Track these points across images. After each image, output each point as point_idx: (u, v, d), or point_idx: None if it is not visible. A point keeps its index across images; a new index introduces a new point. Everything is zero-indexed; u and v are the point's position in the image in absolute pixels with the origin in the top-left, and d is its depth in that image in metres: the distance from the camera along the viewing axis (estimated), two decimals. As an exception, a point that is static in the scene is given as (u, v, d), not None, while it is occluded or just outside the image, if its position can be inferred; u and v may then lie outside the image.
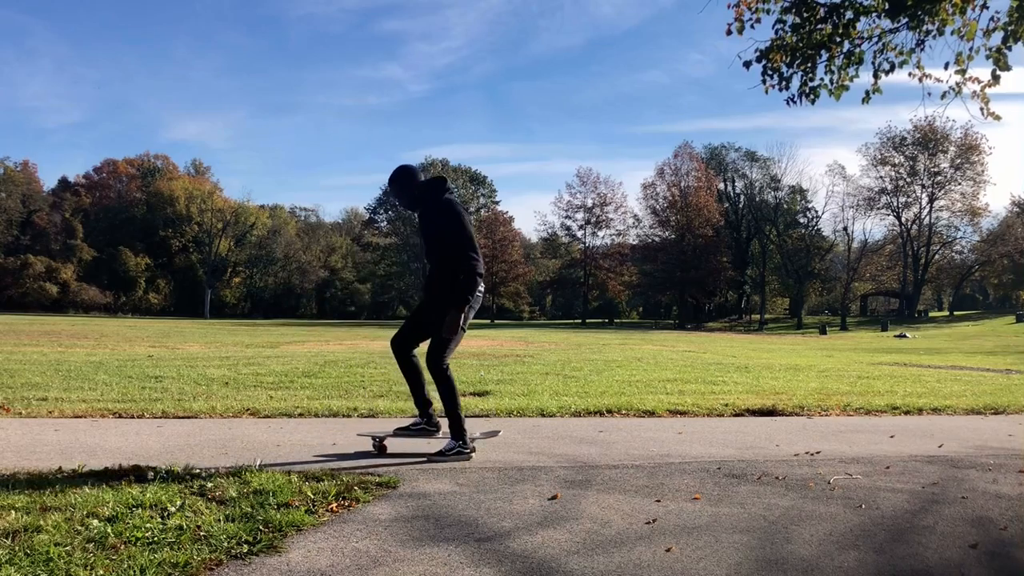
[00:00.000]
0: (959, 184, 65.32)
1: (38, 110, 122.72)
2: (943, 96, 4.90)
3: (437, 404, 4.63)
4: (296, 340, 22.52)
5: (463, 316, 4.39)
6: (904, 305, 67.37)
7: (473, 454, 4.44)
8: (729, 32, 4.92)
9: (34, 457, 4.17)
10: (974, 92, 4.87)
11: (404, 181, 4.63)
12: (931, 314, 70.08)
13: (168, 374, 9.32)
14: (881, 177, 66.80)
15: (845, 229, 67.69)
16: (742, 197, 76.80)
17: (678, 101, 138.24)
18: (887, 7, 4.71)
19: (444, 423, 4.60)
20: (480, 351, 16.55)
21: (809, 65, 5.01)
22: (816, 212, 71.08)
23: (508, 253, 78.32)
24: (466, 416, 6.26)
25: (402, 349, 4.63)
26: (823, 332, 51.90)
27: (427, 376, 4.62)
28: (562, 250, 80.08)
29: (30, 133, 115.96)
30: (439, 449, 4.41)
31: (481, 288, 4.50)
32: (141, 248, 77.20)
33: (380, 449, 4.53)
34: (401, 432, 4.67)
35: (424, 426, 4.68)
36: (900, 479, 4.19)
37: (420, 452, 4.51)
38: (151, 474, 3.65)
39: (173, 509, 3.10)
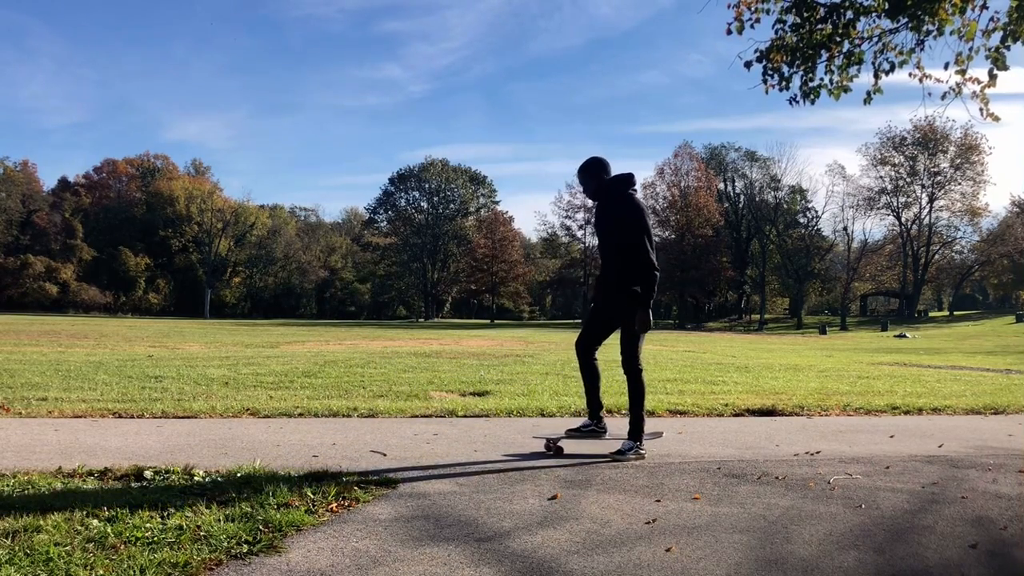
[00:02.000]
0: (959, 184, 65.38)
1: (38, 110, 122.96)
2: (943, 96, 4.90)
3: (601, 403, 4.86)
4: (296, 340, 22.52)
5: (647, 308, 4.54)
6: (904, 305, 67.38)
7: (607, 435, 4.73)
8: (729, 32, 4.92)
9: (34, 457, 4.17)
10: (974, 92, 4.87)
11: (593, 171, 4.74)
12: (931, 314, 70.11)
13: (168, 374, 9.32)
14: (881, 177, 66.89)
15: (845, 229, 67.79)
16: (742, 197, 76.82)
17: (677, 101, 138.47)
18: (887, 7, 4.71)
19: (553, 423, 4.80)
20: (480, 351, 16.54)
21: (809, 65, 5.01)
22: (816, 212, 71.16)
23: (508, 253, 78.32)
24: (465, 416, 6.27)
25: (587, 352, 4.75)
26: (823, 332, 51.89)
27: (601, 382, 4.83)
28: (562, 250, 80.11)
29: (30, 133, 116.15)
30: (617, 449, 4.52)
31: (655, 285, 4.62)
32: (141, 248, 77.22)
33: (557, 451, 4.64)
34: (573, 433, 4.78)
35: (594, 428, 4.79)
36: (900, 479, 4.19)
37: (596, 454, 4.63)
38: (151, 474, 3.65)
39: (173, 509, 3.10)
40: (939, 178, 65.44)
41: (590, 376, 4.77)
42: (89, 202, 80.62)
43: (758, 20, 4.91)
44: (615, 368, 12.61)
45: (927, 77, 4.98)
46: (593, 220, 4.99)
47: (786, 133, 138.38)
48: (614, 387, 9.00)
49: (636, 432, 4.57)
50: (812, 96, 5.08)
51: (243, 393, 7.63)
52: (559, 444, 4.69)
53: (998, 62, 4.62)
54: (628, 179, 4.70)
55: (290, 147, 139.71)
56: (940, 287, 78.20)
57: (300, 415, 6.11)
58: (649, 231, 4.55)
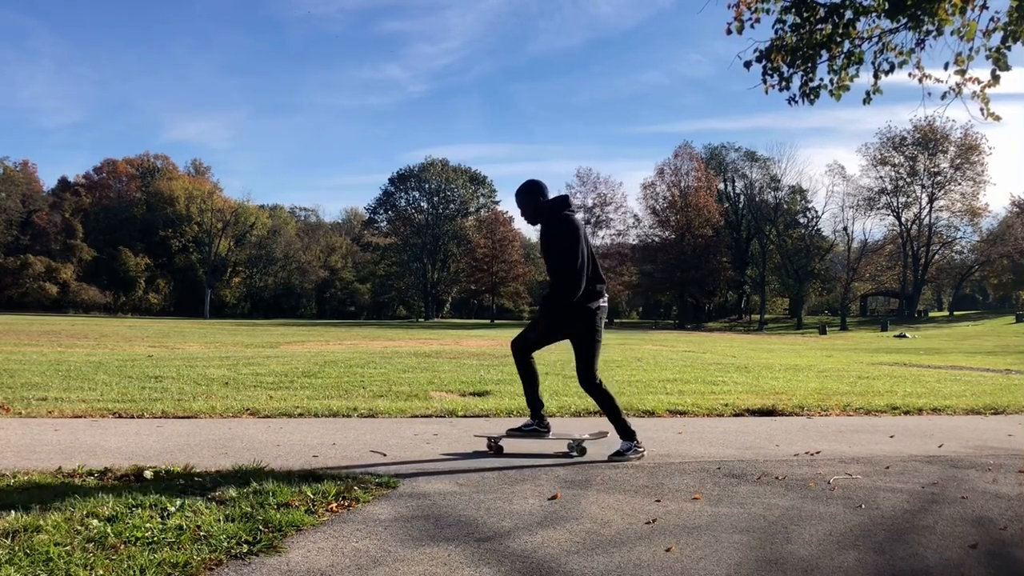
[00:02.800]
0: (959, 184, 65.35)
1: (38, 110, 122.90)
2: (943, 96, 4.90)
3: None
4: (296, 340, 22.52)
5: (589, 323, 4.56)
6: (904, 305, 67.37)
7: (551, 434, 4.77)
8: (729, 32, 4.91)
9: (34, 457, 4.17)
10: (974, 92, 4.86)
11: (530, 195, 4.73)
12: (931, 314, 70.10)
13: (168, 374, 9.32)
14: (881, 177, 66.86)
15: (845, 229, 67.78)
16: (742, 197, 76.83)
17: (677, 101, 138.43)
18: (887, 7, 4.71)
19: (552, 424, 4.82)
20: (480, 351, 16.54)
21: (809, 65, 5.00)
22: (816, 212, 71.11)
23: (508, 253, 78.29)
24: (465, 416, 6.27)
25: (523, 352, 4.80)
26: (823, 332, 51.89)
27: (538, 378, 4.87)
28: (562, 250, 79.94)
29: (30, 133, 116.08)
30: (617, 450, 4.56)
31: (599, 300, 4.62)
32: (141, 248, 77.20)
33: (497, 450, 4.66)
34: (514, 432, 4.80)
35: (536, 427, 4.80)
36: (900, 479, 4.19)
37: (544, 452, 4.65)
38: (151, 474, 3.65)
39: (173, 509, 3.10)
40: (939, 178, 65.43)
41: (527, 376, 4.77)
42: (89, 202, 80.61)
43: (758, 20, 4.91)
44: (615, 368, 12.56)
45: (927, 77, 4.98)
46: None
47: (786, 133, 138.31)
48: (613, 387, 9.01)
49: (626, 433, 4.58)
50: (812, 96, 5.08)
51: (243, 393, 7.63)
52: (499, 443, 4.69)
53: (999, 62, 4.62)
54: (562, 201, 4.67)
55: (290, 147, 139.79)
56: (940, 287, 78.19)
57: (300, 415, 6.11)
58: (579, 253, 4.48)
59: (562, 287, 4.46)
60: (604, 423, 6.13)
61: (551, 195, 4.74)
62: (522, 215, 4.83)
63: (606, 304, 4.75)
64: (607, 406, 4.61)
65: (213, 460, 4.15)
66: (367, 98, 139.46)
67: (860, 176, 69.04)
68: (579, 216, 4.73)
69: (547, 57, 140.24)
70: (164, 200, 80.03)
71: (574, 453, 4.60)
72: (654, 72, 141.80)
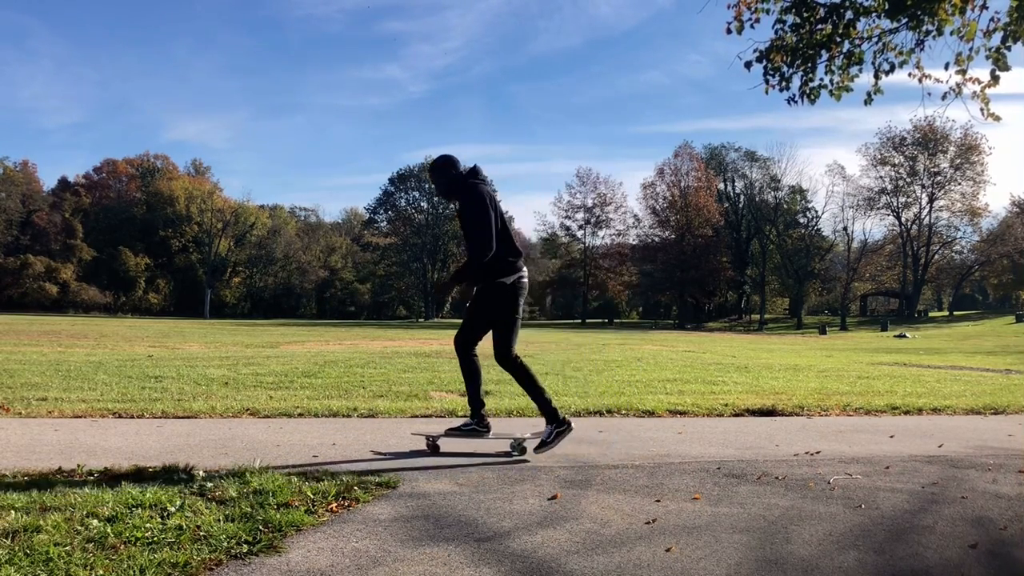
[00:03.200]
0: (959, 184, 65.37)
1: (38, 110, 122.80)
2: (943, 97, 4.90)
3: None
4: (296, 340, 22.52)
5: (505, 299, 4.50)
6: (904, 305, 67.38)
7: (572, 428, 4.59)
8: (729, 32, 4.91)
9: (34, 457, 4.16)
10: (974, 92, 4.86)
11: (442, 169, 4.69)
12: (931, 314, 70.09)
13: (168, 374, 9.32)
14: (881, 177, 66.88)
15: (845, 229, 67.80)
16: (742, 197, 76.84)
17: (677, 101, 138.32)
18: (887, 7, 4.71)
19: (495, 424, 4.72)
20: (480, 351, 16.53)
21: (809, 65, 5.01)
22: (816, 212, 71.17)
23: (508, 253, 78.19)
24: (465, 416, 6.26)
25: (466, 348, 4.72)
26: (823, 332, 51.89)
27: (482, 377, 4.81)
28: (562, 250, 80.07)
29: (30, 133, 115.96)
30: (541, 440, 4.50)
31: (516, 275, 4.56)
32: (141, 248, 77.19)
33: (433, 449, 4.62)
34: (453, 432, 4.75)
35: (475, 427, 4.75)
36: (900, 479, 4.19)
37: (481, 452, 4.63)
38: (151, 474, 3.65)
39: (173, 509, 3.09)
40: (939, 178, 65.44)
41: (469, 374, 4.70)
42: (89, 202, 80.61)
43: (758, 20, 4.91)
44: (615, 368, 12.57)
45: (927, 77, 4.98)
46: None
47: (786, 133, 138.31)
48: (613, 387, 9.02)
49: (550, 416, 4.51)
50: (812, 96, 5.08)
51: (243, 393, 7.63)
52: (437, 442, 4.63)
53: (999, 62, 4.62)
54: (472, 171, 4.64)
55: (290, 147, 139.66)
56: (940, 287, 78.18)
57: (300, 415, 6.11)
58: (488, 221, 4.41)
59: (474, 254, 4.40)
60: (592, 424, 6.12)
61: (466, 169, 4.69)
62: (437, 192, 4.80)
63: (526, 281, 4.64)
64: (527, 384, 4.51)
65: (213, 460, 4.15)
66: (367, 98, 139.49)
67: (860, 176, 69.17)
68: (489, 187, 4.68)
69: (547, 57, 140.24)
70: (164, 200, 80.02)
71: (515, 453, 4.52)
72: (654, 72, 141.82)
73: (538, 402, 4.55)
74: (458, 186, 4.62)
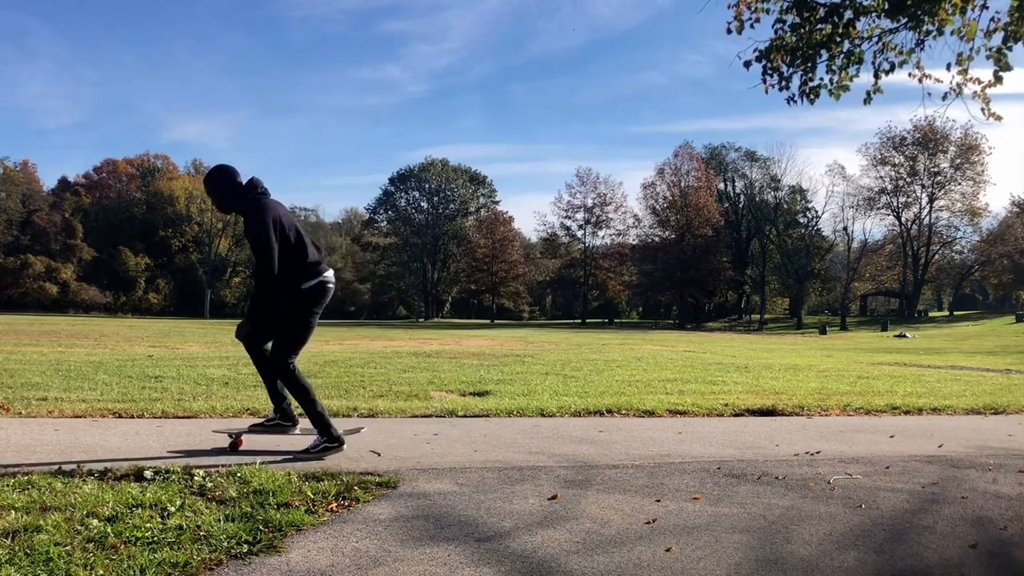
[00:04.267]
0: (959, 184, 65.36)
1: (38, 110, 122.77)
2: (944, 97, 4.90)
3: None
4: (296, 340, 22.48)
5: (298, 303, 4.32)
6: (904, 305, 67.37)
7: (343, 446, 4.38)
8: (729, 31, 4.91)
9: (34, 457, 4.16)
10: (975, 92, 4.86)
11: (216, 181, 4.42)
12: (931, 314, 70.09)
13: (168, 374, 9.32)
14: (881, 177, 66.86)
15: (845, 229, 67.76)
16: (742, 197, 76.82)
17: (676, 102, 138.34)
18: (887, 7, 4.71)
19: (305, 420, 4.51)
20: (480, 351, 16.54)
21: (809, 65, 5.00)
22: (816, 212, 71.11)
23: (508, 253, 78.31)
24: (465, 416, 6.27)
25: (252, 346, 4.53)
26: (823, 332, 51.88)
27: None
28: (562, 250, 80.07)
29: (30, 133, 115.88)
30: (305, 448, 4.34)
31: (317, 279, 4.37)
32: (141, 248, 77.19)
33: (233, 446, 4.44)
34: (256, 428, 4.61)
35: (279, 422, 4.59)
36: (900, 479, 4.19)
37: (279, 450, 4.46)
38: (151, 474, 3.65)
39: (173, 509, 3.09)
40: (939, 178, 65.43)
41: (263, 368, 4.55)
42: (89, 202, 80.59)
43: (758, 20, 4.91)
44: (616, 368, 12.55)
45: (927, 77, 4.98)
46: None
47: (786, 133, 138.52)
48: (613, 387, 9.02)
49: (320, 428, 4.34)
50: (812, 96, 5.08)
51: (243, 393, 7.62)
52: (240, 438, 4.48)
53: (1000, 62, 4.61)
54: (248, 184, 4.40)
55: (290, 147, 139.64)
56: (940, 287, 78.19)
57: (300, 415, 6.09)
58: (268, 239, 4.19)
59: (260, 276, 4.23)
60: (592, 424, 6.13)
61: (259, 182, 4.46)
62: (213, 204, 4.56)
63: (330, 285, 4.47)
64: (300, 395, 4.32)
65: (213, 460, 4.14)
66: (367, 98, 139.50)
67: (860, 176, 69.13)
68: (269, 198, 4.41)
69: (547, 57, 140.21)
70: (164, 200, 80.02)
71: (317, 452, 4.26)
72: (654, 72, 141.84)
73: (310, 415, 4.35)
74: (238, 201, 4.38)
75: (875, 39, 4.94)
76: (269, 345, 4.50)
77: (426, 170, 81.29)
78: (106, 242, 75.98)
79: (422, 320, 72.77)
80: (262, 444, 4.58)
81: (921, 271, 66.90)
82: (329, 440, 4.34)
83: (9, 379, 8.43)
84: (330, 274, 4.51)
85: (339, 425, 4.55)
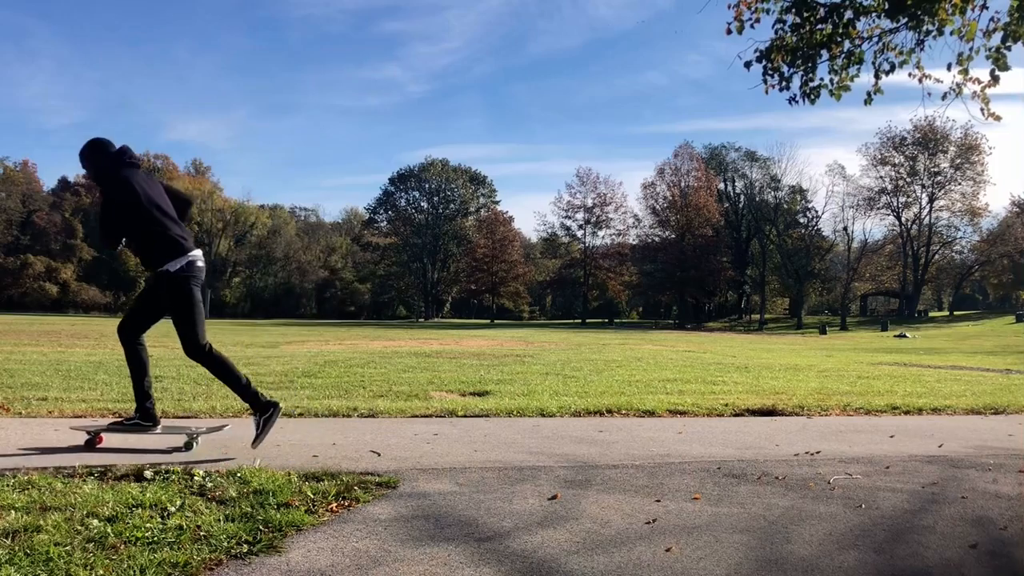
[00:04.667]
0: (959, 184, 65.38)
1: (38, 110, 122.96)
2: (944, 97, 4.90)
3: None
4: (296, 340, 22.52)
5: (176, 287, 4.27)
6: (904, 305, 67.37)
7: (279, 410, 4.39)
8: (729, 32, 4.91)
9: (34, 457, 4.16)
10: (974, 92, 4.86)
11: (87, 156, 4.34)
12: (931, 314, 70.06)
13: (168, 374, 9.32)
14: (881, 177, 66.86)
15: (845, 229, 67.76)
16: (742, 197, 76.85)
17: (676, 102, 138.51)
18: (887, 7, 4.71)
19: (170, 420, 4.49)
20: (480, 351, 16.54)
21: (810, 65, 5.00)
22: (816, 212, 71.11)
23: (508, 253, 78.33)
24: (466, 416, 6.27)
25: (130, 336, 4.45)
26: (823, 332, 51.88)
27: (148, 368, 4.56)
28: (562, 250, 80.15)
29: (30, 133, 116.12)
30: (255, 435, 4.29)
31: (184, 259, 4.30)
32: (141, 248, 77.18)
33: (88, 443, 4.35)
34: (114, 426, 4.53)
35: (139, 421, 4.52)
36: (900, 479, 4.19)
37: (153, 448, 4.41)
38: (151, 474, 3.65)
39: (173, 509, 3.09)
40: (939, 178, 65.44)
41: (134, 364, 4.47)
42: (89, 202, 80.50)
43: (758, 20, 4.91)
44: (616, 368, 12.54)
45: (927, 77, 4.98)
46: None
47: (786, 133, 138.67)
48: (613, 387, 9.01)
49: (254, 404, 4.33)
50: (812, 96, 5.07)
51: (243, 393, 7.62)
52: (99, 436, 4.38)
53: (999, 62, 4.61)
54: (117, 156, 4.33)
55: (290, 147, 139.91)
56: (940, 287, 78.20)
57: (300, 415, 6.10)
58: (111, 214, 4.17)
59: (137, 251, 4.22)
60: (592, 425, 6.12)
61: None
62: (86, 176, 4.56)
63: (200, 264, 4.39)
64: (224, 375, 4.29)
65: (214, 460, 4.14)
66: (367, 98, 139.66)
67: (860, 176, 69.11)
68: (135, 170, 4.35)
69: (547, 57, 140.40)
70: (164, 200, 79.99)
71: (182, 447, 4.34)
72: (653, 72, 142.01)
73: (240, 393, 4.31)
74: (102, 174, 4.33)
75: (875, 39, 4.95)
76: (144, 337, 4.49)
77: (426, 170, 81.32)
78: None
79: (422, 320, 72.76)
80: (131, 443, 4.42)
81: (921, 271, 66.90)
82: (263, 410, 4.32)
83: (9, 379, 8.43)
84: (197, 253, 4.41)
85: (201, 424, 4.62)
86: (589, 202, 75.13)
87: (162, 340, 21.49)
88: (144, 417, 4.49)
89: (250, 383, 4.39)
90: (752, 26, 4.90)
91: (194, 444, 4.40)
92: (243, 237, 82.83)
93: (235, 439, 4.63)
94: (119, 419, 4.63)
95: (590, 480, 3.98)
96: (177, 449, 4.38)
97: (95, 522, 2.88)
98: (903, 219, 67.08)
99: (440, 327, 51.12)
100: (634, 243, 74.31)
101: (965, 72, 4.78)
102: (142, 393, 4.49)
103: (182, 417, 5.82)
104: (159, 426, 4.56)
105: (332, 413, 6.21)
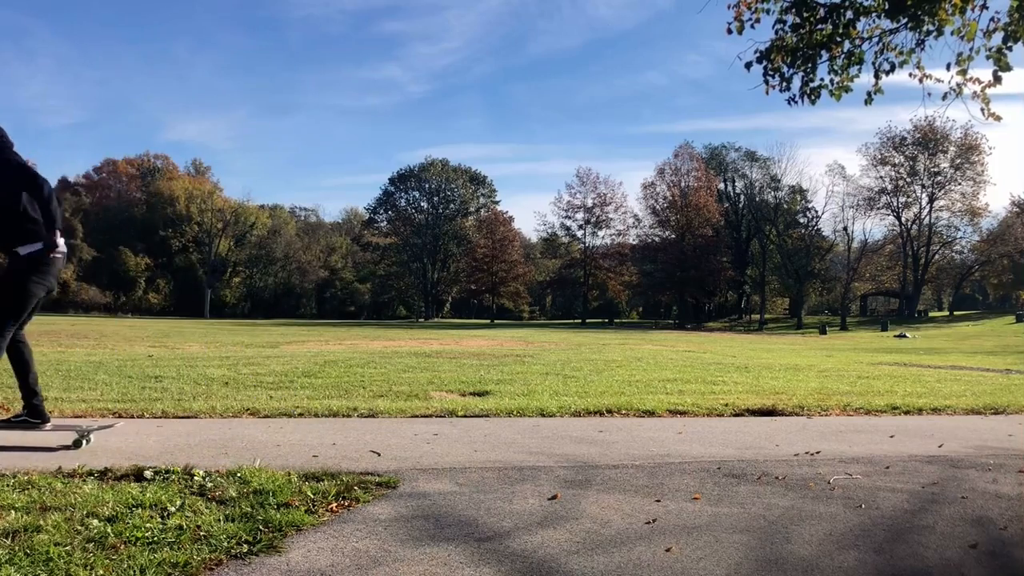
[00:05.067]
0: (959, 184, 65.35)
1: (38, 110, 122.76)
2: (944, 97, 4.89)
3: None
4: (296, 340, 22.52)
5: (12, 270, 4.23)
6: (904, 305, 67.36)
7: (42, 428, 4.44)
8: (729, 32, 4.91)
9: (34, 457, 4.16)
10: (975, 93, 4.86)
11: None
12: (931, 314, 70.06)
13: (168, 374, 9.32)
14: (881, 177, 66.84)
15: (845, 229, 67.72)
16: (742, 197, 76.84)
17: (676, 102, 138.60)
18: (887, 7, 4.71)
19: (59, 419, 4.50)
20: (480, 351, 16.54)
21: (810, 65, 5.00)
22: (816, 212, 71.05)
23: (508, 253, 78.30)
24: (465, 416, 6.27)
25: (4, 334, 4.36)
26: (823, 332, 51.88)
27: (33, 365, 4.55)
28: (562, 250, 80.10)
29: (30, 133, 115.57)
30: (8, 419, 4.33)
31: (31, 247, 4.25)
32: (141, 248, 77.23)
33: None
34: (2, 424, 4.53)
35: (27, 418, 4.51)
36: (900, 479, 4.19)
37: (30, 446, 4.38)
38: (151, 474, 3.65)
39: (173, 509, 3.10)
40: (939, 178, 65.42)
41: (15, 362, 4.43)
42: (89, 202, 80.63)
43: (758, 20, 4.91)
44: (616, 368, 12.53)
45: (927, 77, 4.98)
46: None
47: (786, 133, 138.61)
48: (613, 387, 9.01)
49: (31, 409, 4.33)
50: (813, 96, 5.07)
51: (243, 393, 7.62)
52: None
53: (1000, 62, 4.61)
54: None
55: (290, 147, 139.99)
56: (940, 287, 78.16)
57: (300, 415, 6.10)
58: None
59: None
60: (592, 425, 6.12)
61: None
62: None
63: (57, 255, 4.33)
64: (19, 368, 4.30)
65: (213, 460, 4.14)
66: (367, 98, 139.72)
67: (860, 176, 69.16)
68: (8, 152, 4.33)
69: (547, 58, 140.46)
70: (164, 200, 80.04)
71: (72, 445, 4.33)
72: (653, 72, 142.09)
73: (23, 392, 4.35)
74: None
75: (875, 39, 4.94)
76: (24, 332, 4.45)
77: (426, 170, 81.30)
78: (106, 242, 75.99)
79: (422, 320, 72.75)
80: (14, 440, 4.41)
81: (921, 271, 66.89)
82: (33, 416, 4.38)
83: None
84: (59, 243, 4.37)
85: (92, 423, 4.64)
86: (589, 202, 75.16)
87: (162, 340, 21.46)
88: (34, 414, 4.49)
89: (36, 391, 4.43)
90: (752, 26, 4.90)
91: (84, 442, 4.37)
92: (243, 237, 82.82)
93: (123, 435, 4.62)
94: (6, 418, 4.64)
95: (590, 480, 3.98)
96: (66, 447, 4.35)
97: (95, 522, 2.88)
98: (903, 219, 67.10)
99: (440, 327, 51.12)
100: (634, 243, 74.29)
101: (964, 72, 4.78)
102: (30, 391, 4.47)
103: (70, 417, 5.71)
104: (49, 423, 4.56)
105: (332, 413, 6.21)
